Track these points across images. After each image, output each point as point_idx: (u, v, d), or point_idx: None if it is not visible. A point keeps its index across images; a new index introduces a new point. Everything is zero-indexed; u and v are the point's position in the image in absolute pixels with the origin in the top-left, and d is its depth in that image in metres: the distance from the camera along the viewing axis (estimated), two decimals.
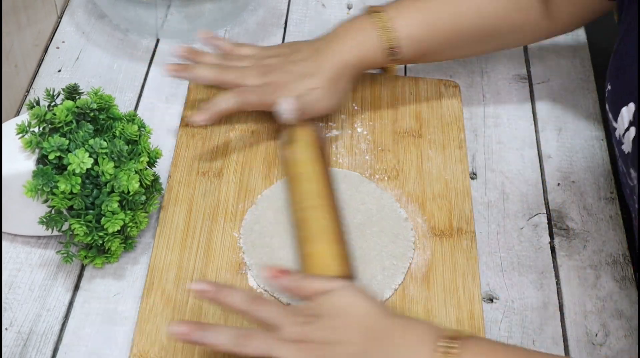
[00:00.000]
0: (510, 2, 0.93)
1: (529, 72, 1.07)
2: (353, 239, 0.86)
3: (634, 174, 0.75)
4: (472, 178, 0.94)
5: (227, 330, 0.72)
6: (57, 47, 1.06)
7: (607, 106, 0.81)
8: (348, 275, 0.80)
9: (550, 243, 0.89)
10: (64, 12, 1.10)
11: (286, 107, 0.89)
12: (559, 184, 0.95)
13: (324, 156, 0.91)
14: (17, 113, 0.98)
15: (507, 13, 0.93)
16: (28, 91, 1.00)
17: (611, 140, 0.98)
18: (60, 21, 1.09)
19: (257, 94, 0.90)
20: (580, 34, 1.12)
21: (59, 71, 1.03)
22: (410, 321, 0.73)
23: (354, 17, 0.94)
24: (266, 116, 0.97)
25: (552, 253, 0.89)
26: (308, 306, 0.72)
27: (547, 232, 0.90)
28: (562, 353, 0.80)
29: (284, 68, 0.92)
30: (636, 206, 0.78)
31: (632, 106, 0.75)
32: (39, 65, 1.03)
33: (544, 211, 0.92)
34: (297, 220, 0.85)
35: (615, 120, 0.78)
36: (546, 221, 0.91)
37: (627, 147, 0.76)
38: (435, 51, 0.96)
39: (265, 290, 0.82)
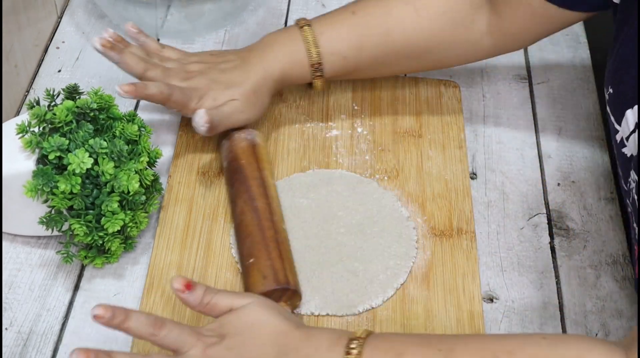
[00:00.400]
0: (447, 19, 0.90)
1: (529, 72, 1.07)
2: (353, 239, 0.86)
3: (633, 177, 0.75)
4: (472, 178, 0.94)
5: (128, 356, 0.70)
6: (57, 47, 1.06)
7: (608, 109, 0.80)
8: (281, 285, 0.78)
9: (550, 243, 0.89)
10: (64, 12, 1.10)
11: (198, 120, 0.85)
12: (559, 184, 0.95)
13: (258, 160, 0.89)
14: (17, 113, 0.98)
15: (442, 30, 0.91)
16: (28, 91, 1.00)
17: (611, 140, 0.98)
18: (60, 21, 1.09)
19: (182, 95, 0.87)
20: (580, 34, 1.12)
21: (59, 71, 1.03)
22: (319, 330, 0.71)
23: (284, 28, 0.93)
24: (266, 115, 0.97)
25: (552, 253, 0.89)
26: (214, 326, 0.70)
27: (547, 232, 0.90)
28: None
29: (207, 75, 0.89)
30: (631, 209, 0.78)
31: (637, 109, 0.74)
32: (39, 65, 1.03)
33: (544, 211, 0.92)
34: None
35: (619, 123, 0.77)
36: (546, 221, 0.91)
37: (630, 150, 0.75)
38: (363, 68, 0.94)
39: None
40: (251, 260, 0.80)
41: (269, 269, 0.79)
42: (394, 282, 0.83)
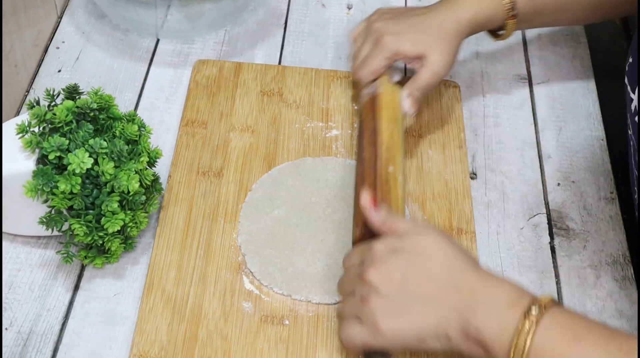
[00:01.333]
0: None
1: (529, 72, 1.07)
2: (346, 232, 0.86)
3: None
4: (472, 178, 0.94)
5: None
6: (57, 47, 1.06)
7: (626, 80, 0.80)
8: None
9: (550, 243, 0.89)
10: (64, 12, 1.10)
11: (406, 108, 0.90)
12: (559, 184, 0.95)
13: (375, 110, 0.90)
14: (17, 113, 0.98)
15: None
16: (28, 91, 1.00)
17: (611, 140, 0.99)
18: (60, 21, 1.09)
19: (401, 42, 0.91)
20: (580, 34, 1.12)
21: (59, 71, 1.03)
22: (498, 280, 0.70)
23: None
24: (266, 115, 0.97)
25: (552, 253, 0.89)
26: (397, 236, 0.72)
27: (547, 232, 0.90)
28: None
29: (402, 20, 0.93)
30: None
31: None
32: (39, 65, 1.03)
33: (544, 211, 0.92)
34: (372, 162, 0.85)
35: (634, 91, 0.78)
36: (546, 221, 0.91)
37: None
38: (551, 10, 0.95)
39: (266, 285, 0.82)
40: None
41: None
42: None
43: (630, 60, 0.79)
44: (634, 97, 0.78)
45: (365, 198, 0.76)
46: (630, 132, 0.81)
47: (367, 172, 0.83)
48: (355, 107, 0.98)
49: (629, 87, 0.79)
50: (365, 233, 0.78)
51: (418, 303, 0.69)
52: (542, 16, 0.96)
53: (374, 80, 0.92)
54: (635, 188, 0.81)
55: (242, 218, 0.87)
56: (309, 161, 0.93)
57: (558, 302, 0.68)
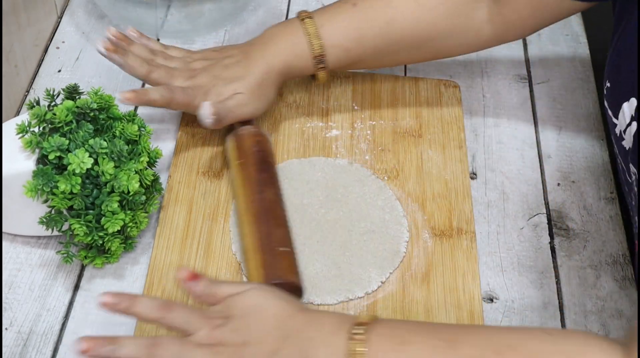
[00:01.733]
0: (447, 8, 0.91)
1: (529, 72, 1.07)
2: (342, 232, 0.86)
3: (633, 169, 0.75)
4: (472, 178, 0.94)
5: (136, 340, 0.69)
6: (57, 47, 1.06)
7: (605, 103, 0.80)
8: (283, 281, 0.79)
9: (550, 243, 0.89)
10: (64, 12, 1.10)
11: (204, 113, 0.86)
12: (559, 184, 0.95)
13: (266, 155, 0.89)
14: (17, 113, 0.98)
15: (443, 19, 0.91)
16: (28, 91, 1.00)
17: (611, 140, 0.98)
18: (60, 21, 1.09)
19: (185, 96, 0.88)
20: (580, 34, 1.12)
21: (59, 71, 1.03)
22: (322, 314, 0.72)
23: (286, 21, 0.93)
24: (266, 115, 0.97)
25: (552, 253, 0.88)
26: (220, 308, 0.71)
27: (547, 232, 0.90)
28: None
29: (211, 72, 0.90)
30: (634, 203, 0.78)
31: (633, 102, 0.75)
32: (39, 65, 1.03)
33: (544, 211, 0.92)
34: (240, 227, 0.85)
35: (616, 116, 0.78)
36: (546, 221, 0.91)
37: (627, 143, 0.76)
38: (365, 59, 0.94)
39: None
40: (285, 248, 0.81)
41: (294, 264, 0.81)
42: (380, 275, 0.84)
43: (608, 84, 0.79)
44: (616, 122, 0.78)
45: (182, 273, 0.72)
46: (616, 150, 0.81)
47: (272, 214, 0.84)
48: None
49: (609, 111, 0.79)
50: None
51: None
52: (357, 64, 0.95)
53: None
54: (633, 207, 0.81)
55: (232, 226, 0.87)
56: (295, 163, 0.93)
57: (376, 316, 0.70)
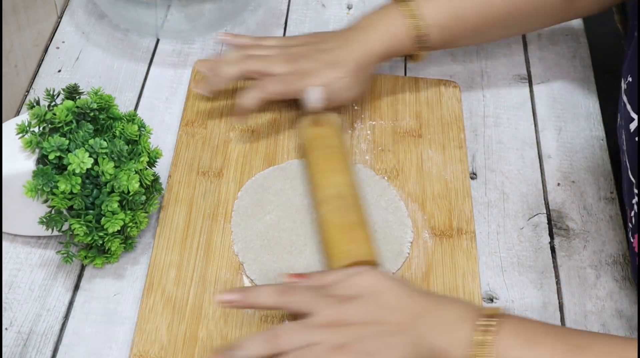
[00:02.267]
0: None
1: (529, 72, 1.07)
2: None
3: None
4: (472, 178, 0.94)
5: (255, 338, 0.71)
6: (57, 47, 1.06)
7: (624, 98, 0.80)
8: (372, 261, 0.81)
9: (550, 243, 0.89)
10: (64, 12, 1.10)
11: (315, 96, 0.89)
12: (559, 184, 0.95)
13: (337, 139, 0.91)
14: (17, 113, 0.98)
15: None
16: (28, 91, 1.00)
17: (611, 139, 0.98)
18: (60, 21, 1.09)
19: (282, 84, 0.90)
20: (580, 34, 1.12)
21: (59, 71, 1.03)
22: (447, 299, 0.73)
23: (382, 6, 0.95)
24: (266, 115, 0.97)
25: (552, 253, 0.88)
26: (339, 288, 0.72)
27: (547, 232, 0.90)
28: None
29: (312, 56, 0.92)
30: (633, 201, 0.78)
31: None
32: (39, 65, 1.03)
33: (544, 211, 0.92)
34: (322, 205, 0.85)
35: (635, 111, 0.78)
36: (546, 221, 0.91)
37: None
38: (462, 37, 0.97)
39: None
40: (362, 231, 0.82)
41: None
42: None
43: (630, 79, 0.79)
44: (634, 116, 0.78)
45: (288, 277, 0.75)
46: (624, 148, 0.81)
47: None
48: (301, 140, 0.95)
49: (629, 106, 0.79)
50: None
51: (385, 339, 0.69)
52: (455, 42, 0.98)
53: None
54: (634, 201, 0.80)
55: (234, 227, 0.87)
56: (296, 163, 0.93)
57: (503, 311, 0.70)
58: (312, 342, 0.69)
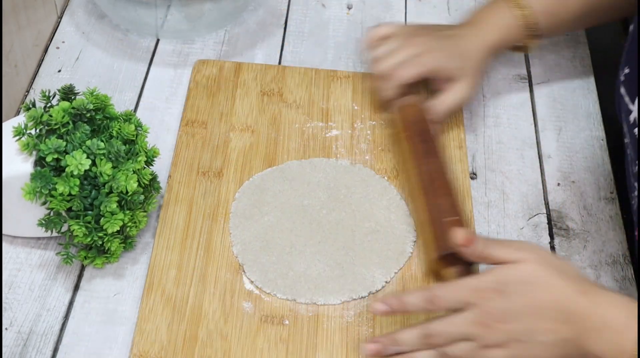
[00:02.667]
0: None
1: (529, 72, 1.07)
2: (346, 233, 0.86)
3: None
4: (472, 178, 0.94)
5: (411, 334, 0.72)
6: (57, 47, 1.06)
7: (622, 90, 0.80)
8: None
9: (550, 243, 0.89)
10: (64, 12, 1.10)
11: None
12: (559, 184, 0.95)
13: (427, 125, 0.93)
14: (17, 113, 0.98)
15: None
16: (28, 91, 1.00)
17: (611, 139, 0.98)
18: (60, 21, 1.09)
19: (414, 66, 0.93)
20: (580, 34, 1.11)
21: (59, 71, 1.03)
22: (607, 297, 0.69)
23: (489, 1, 0.97)
24: (266, 115, 0.97)
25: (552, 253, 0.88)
26: (492, 280, 0.70)
27: (547, 232, 0.90)
28: None
29: (435, 41, 0.95)
30: (636, 193, 0.77)
31: None
32: (39, 65, 1.03)
33: (544, 211, 0.92)
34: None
35: (633, 102, 0.78)
36: (546, 221, 0.91)
37: None
38: (568, 22, 0.98)
39: (268, 292, 0.82)
40: (452, 218, 0.83)
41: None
42: (385, 275, 0.84)
43: (627, 70, 0.79)
44: (633, 108, 0.77)
45: (461, 236, 0.74)
46: (626, 140, 0.80)
47: (438, 184, 0.86)
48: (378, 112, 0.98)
49: (626, 97, 0.79)
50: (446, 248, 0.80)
51: (537, 340, 0.68)
52: (563, 28, 1.01)
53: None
54: (635, 196, 0.80)
55: (233, 229, 0.87)
56: (295, 164, 0.93)
57: None
58: (466, 337, 0.69)
